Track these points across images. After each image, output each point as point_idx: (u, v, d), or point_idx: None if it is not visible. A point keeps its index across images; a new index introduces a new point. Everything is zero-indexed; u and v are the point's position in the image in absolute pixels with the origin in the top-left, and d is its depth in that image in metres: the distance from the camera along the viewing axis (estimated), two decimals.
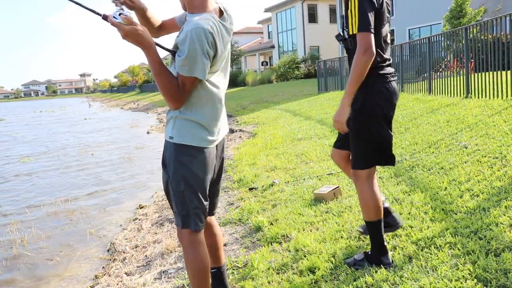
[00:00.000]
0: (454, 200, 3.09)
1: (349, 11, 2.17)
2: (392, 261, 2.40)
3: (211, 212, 2.23)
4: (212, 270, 2.25)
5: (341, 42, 2.40)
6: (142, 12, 2.07)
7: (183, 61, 1.80)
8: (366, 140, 2.31)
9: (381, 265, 2.36)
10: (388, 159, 2.41)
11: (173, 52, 1.89)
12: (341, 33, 2.36)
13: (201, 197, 1.98)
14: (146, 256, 3.57)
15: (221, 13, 1.98)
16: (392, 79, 2.32)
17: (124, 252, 3.82)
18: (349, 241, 2.81)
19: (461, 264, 2.20)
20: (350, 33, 2.19)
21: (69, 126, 19.91)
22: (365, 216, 2.38)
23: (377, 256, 2.39)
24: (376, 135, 2.30)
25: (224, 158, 2.24)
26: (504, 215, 2.64)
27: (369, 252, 2.44)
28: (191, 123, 1.93)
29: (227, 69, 2.09)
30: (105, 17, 1.81)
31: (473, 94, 7.45)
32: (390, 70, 2.33)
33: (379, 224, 2.35)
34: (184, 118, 1.93)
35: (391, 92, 2.30)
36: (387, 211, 2.60)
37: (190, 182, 1.94)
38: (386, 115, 2.33)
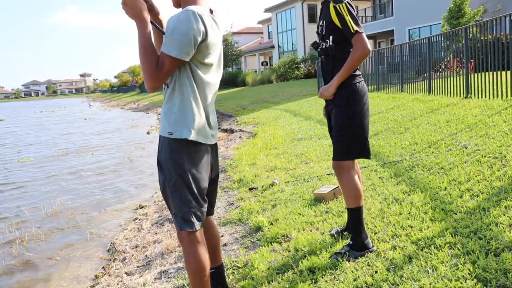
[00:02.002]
0: (454, 200, 3.09)
1: (344, 15, 2.41)
2: (373, 245, 2.61)
3: (210, 212, 2.22)
4: (211, 271, 2.25)
5: (317, 50, 2.66)
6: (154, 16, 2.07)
7: (167, 38, 1.83)
8: (352, 133, 2.54)
9: (367, 250, 2.56)
10: (367, 152, 2.63)
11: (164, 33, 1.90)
12: (319, 42, 2.64)
13: (199, 197, 1.98)
14: (146, 256, 3.57)
15: (211, 11, 2.00)
16: (362, 79, 2.62)
17: (124, 252, 3.82)
18: (349, 241, 2.80)
19: (461, 264, 2.20)
20: (352, 31, 2.41)
21: (68, 127, 19.91)
22: (349, 203, 2.58)
23: (360, 242, 2.57)
24: (360, 127, 2.54)
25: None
26: (504, 215, 2.64)
27: (351, 242, 2.59)
28: (188, 118, 1.93)
29: (220, 68, 2.09)
30: None
31: (473, 94, 7.46)
32: (359, 72, 2.63)
33: (361, 211, 2.57)
34: (182, 112, 1.92)
35: (366, 89, 2.61)
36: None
37: (187, 182, 1.93)
38: (366, 109, 2.59)
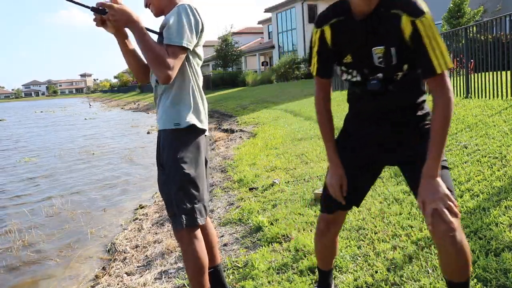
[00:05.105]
0: None
1: (437, 39, 1.50)
2: None
3: None
4: (209, 270, 2.25)
5: (389, 87, 1.67)
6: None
7: (170, 31, 1.84)
8: None
9: None
10: None
11: (161, 34, 1.91)
12: (383, 82, 1.66)
13: (202, 192, 2.00)
14: (146, 256, 3.57)
15: None
16: None
17: (124, 252, 3.82)
18: (349, 241, 2.81)
19: None
20: (438, 72, 1.50)
21: (69, 127, 19.91)
22: None
23: None
24: None
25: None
26: (504, 215, 2.64)
27: None
28: (192, 106, 1.97)
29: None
30: (94, 9, 1.80)
31: (473, 94, 7.46)
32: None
33: None
34: (186, 103, 1.96)
35: None
36: None
37: (191, 178, 1.94)
38: None
